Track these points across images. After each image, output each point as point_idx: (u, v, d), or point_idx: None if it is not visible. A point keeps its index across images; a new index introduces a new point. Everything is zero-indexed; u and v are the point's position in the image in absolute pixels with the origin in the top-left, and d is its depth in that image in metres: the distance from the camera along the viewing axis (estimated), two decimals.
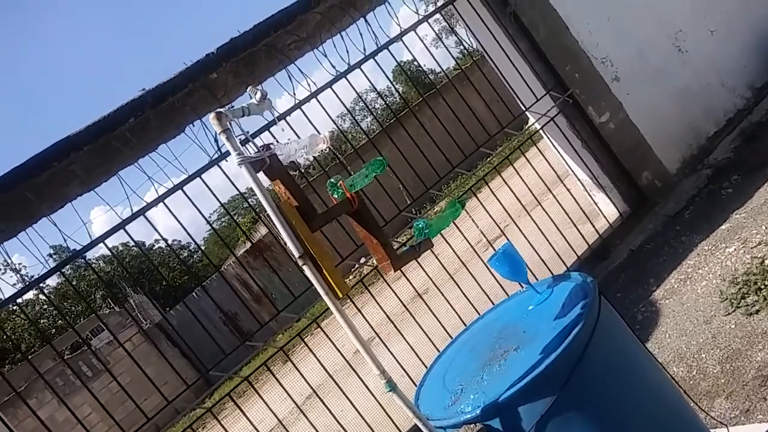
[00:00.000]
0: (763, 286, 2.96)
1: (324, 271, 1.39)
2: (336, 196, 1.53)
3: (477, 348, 1.84)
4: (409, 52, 4.60)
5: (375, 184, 4.30)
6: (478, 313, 4.27)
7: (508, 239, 4.50)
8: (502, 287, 4.23)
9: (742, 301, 2.98)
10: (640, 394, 1.57)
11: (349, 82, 4.29)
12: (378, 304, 4.17)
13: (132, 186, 3.76)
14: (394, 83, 5.10)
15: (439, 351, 4.07)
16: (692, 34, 5.22)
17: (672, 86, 5.04)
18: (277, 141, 1.50)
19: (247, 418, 3.78)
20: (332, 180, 1.51)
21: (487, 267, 4.45)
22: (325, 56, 4.31)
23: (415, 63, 6.24)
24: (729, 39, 5.34)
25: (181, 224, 3.79)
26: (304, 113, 4.15)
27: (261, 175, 1.47)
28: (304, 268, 1.39)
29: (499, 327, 1.87)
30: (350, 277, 14.50)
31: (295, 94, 4.24)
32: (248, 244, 17.81)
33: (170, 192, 3.54)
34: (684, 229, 4.26)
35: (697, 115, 5.09)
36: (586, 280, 1.74)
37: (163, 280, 25.91)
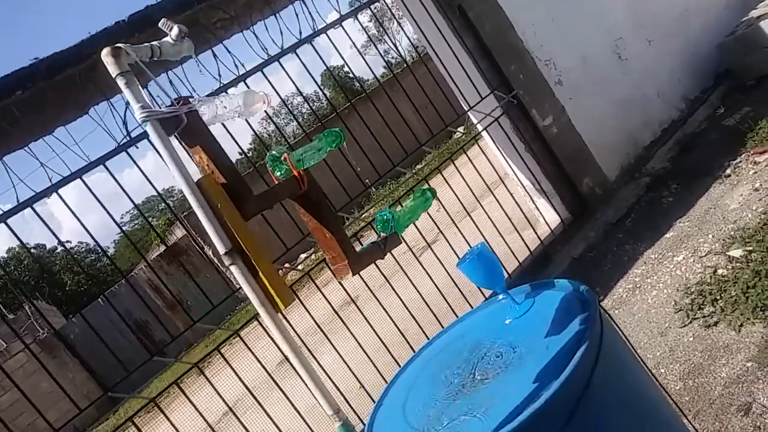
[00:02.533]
0: (719, 297, 2.83)
1: (260, 273, 1.01)
2: (278, 175, 1.15)
3: (444, 369, 1.50)
4: (339, 53, 4.21)
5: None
6: (417, 323, 3.99)
7: (447, 240, 4.28)
8: (441, 294, 3.96)
9: (699, 312, 2.83)
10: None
11: (283, 69, 3.88)
12: (306, 310, 3.76)
13: (20, 174, 3.18)
14: (321, 87, 4.70)
15: (373, 363, 3.78)
16: (632, 42, 5.21)
17: (612, 94, 4.98)
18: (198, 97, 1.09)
19: None
20: (274, 152, 1.13)
21: (425, 270, 4.22)
22: (257, 38, 3.89)
23: (345, 68, 5.89)
24: (666, 50, 5.38)
25: (79, 220, 3.23)
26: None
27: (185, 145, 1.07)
28: (232, 268, 1.00)
29: (470, 344, 1.54)
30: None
31: (221, 76, 3.78)
32: (162, 248, 16.80)
33: (64, 181, 2.99)
34: (627, 237, 4.15)
35: (635, 124, 5.06)
36: (579, 288, 1.45)
37: (65, 285, 24.06)
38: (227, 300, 3.98)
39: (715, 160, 4.34)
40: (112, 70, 0.97)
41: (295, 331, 3.62)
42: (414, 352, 3.66)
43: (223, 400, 3.39)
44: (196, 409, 3.33)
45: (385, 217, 1.24)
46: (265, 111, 4.01)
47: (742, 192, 3.72)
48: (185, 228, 15.92)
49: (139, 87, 1.00)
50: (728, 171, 4.08)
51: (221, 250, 1.00)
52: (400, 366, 3.62)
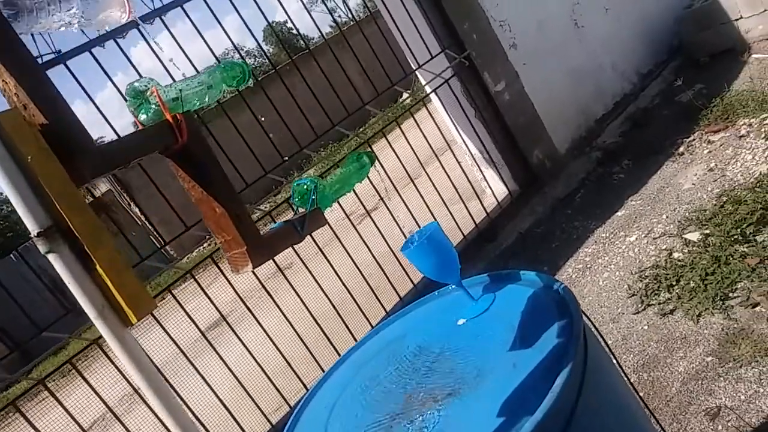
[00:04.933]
0: (674, 283, 2.64)
1: (98, 268, 0.64)
2: (143, 118, 0.77)
3: (378, 383, 1.18)
4: (282, 7, 3.70)
5: (230, 138, 3.44)
6: (352, 297, 3.67)
7: (389, 209, 3.95)
8: (379, 265, 3.65)
9: (654, 298, 2.64)
10: None
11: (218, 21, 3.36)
12: (228, 281, 3.36)
13: None
14: (264, 44, 4.17)
15: (301, 339, 3.44)
16: (589, 9, 4.95)
17: (567, 62, 4.73)
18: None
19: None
20: (137, 84, 0.74)
21: (363, 240, 3.89)
22: None
23: (287, 25, 5.31)
24: (622, 19, 5.16)
25: None
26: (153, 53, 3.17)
27: None
28: (52, 258, 0.62)
29: (412, 350, 1.23)
30: (203, 246, 13.27)
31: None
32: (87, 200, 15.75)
33: None
34: (576, 214, 3.95)
35: (588, 96, 4.84)
36: (553, 286, 1.15)
37: None
38: (153, 260, 3.48)
39: (667, 137, 4.18)
40: None
41: (214, 305, 3.23)
42: (349, 331, 3.33)
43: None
44: (94, 390, 2.90)
45: (305, 187, 0.88)
46: (195, 68, 3.46)
47: (696, 171, 3.56)
48: (110, 182, 14.95)
49: None
50: (681, 149, 3.93)
51: (33, 228, 0.63)
52: (335, 350, 3.29)
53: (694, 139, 3.94)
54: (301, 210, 0.92)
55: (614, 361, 1.15)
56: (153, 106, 0.76)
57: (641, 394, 2.21)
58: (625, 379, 1.21)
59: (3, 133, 0.62)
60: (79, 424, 2.71)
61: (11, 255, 13.54)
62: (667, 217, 3.24)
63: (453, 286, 1.33)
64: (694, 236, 2.88)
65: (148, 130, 0.77)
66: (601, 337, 1.15)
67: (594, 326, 1.11)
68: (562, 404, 0.87)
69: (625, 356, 2.43)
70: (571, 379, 0.89)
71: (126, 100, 0.77)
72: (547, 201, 4.29)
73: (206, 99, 0.82)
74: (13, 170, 0.62)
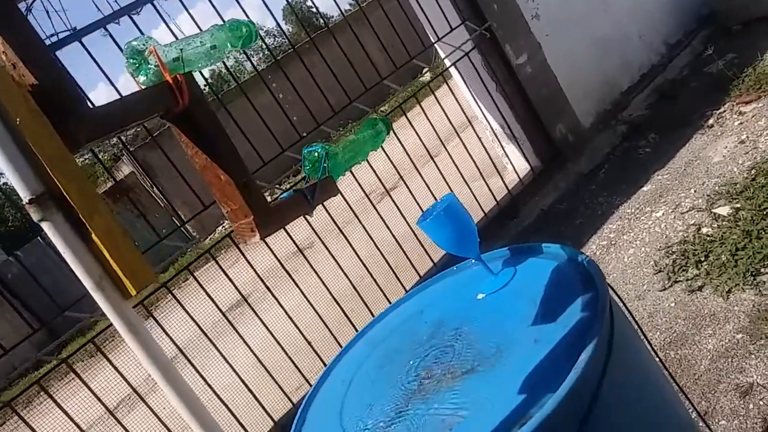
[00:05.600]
0: (703, 259, 2.56)
1: (94, 236, 0.60)
2: (142, 80, 0.73)
3: (396, 358, 1.14)
4: None
5: (250, 118, 3.40)
6: (372, 277, 3.65)
7: (408, 188, 3.90)
8: (398, 244, 3.61)
9: (681, 274, 2.56)
10: None
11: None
12: (248, 261, 3.35)
13: None
14: (283, 24, 4.11)
15: (321, 318, 3.43)
16: None
17: (591, 32, 4.58)
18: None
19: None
20: (135, 44, 0.70)
21: (383, 221, 3.85)
22: None
23: (307, 3, 5.20)
24: None
25: None
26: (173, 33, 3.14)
27: None
28: (45, 226, 0.59)
29: (430, 325, 1.19)
30: (224, 225, 13.36)
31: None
32: (109, 184, 15.99)
33: None
34: (600, 189, 3.85)
35: (613, 68, 4.70)
36: (578, 258, 1.09)
37: (8, 221, 22.92)
38: (175, 240, 3.48)
39: (696, 109, 4.04)
40: None
41: (235, 286, 3.23)
42: (369, 310, 3.30)
43: (174, 343, 2.99)
44: (118, 371, 2.93)
45: (316, 154, 0.84)
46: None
47: (727, 144, 3.44)
48: (133, 164, 15.11)
49: None
50: (711, 121, 3.79)
51: (24, 195, 0.59)
52: (355, 329, 3.27)
53: (724, 111, 3.80)
54: (312, 179, 0.87)
55: (642, 338, 1.10)
56: (152, 66, 0.72)
57: (670, 371, 2.15)
58: (654, 355, 1.15)
59: None
60: (104, 404, 2.74)
61: (39, 237, 13.81)
62: (695, 191, 3.14)
63: (472, 261, 1.28)
64: (723, 210, 2.77)
65: (147, 92, 0.73)
66: (628, 311, 1.10)
67: (620, 300, 1.05)
68: (586, 381, 0.82)
69: (652, 334, 2.37)
70: (596, 355, 0.84)
71: (126, 60, 0.74)
72: (571, 177, 4.19)
73: (210, 60, 0.78)
74: (3, 134, 0.58)
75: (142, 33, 2.90)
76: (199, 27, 3.11)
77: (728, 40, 4.75)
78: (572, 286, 1.01)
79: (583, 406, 0.83)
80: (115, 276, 0.62)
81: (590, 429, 0.82)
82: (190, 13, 3.13)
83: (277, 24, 3.70)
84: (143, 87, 0.75)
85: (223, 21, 0.86)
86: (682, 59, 4.86)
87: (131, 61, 0.73)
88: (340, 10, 4.30)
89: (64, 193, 0.60)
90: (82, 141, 0.65)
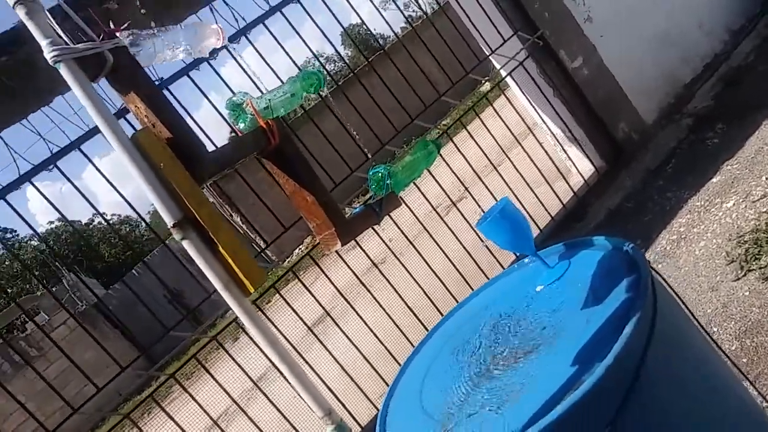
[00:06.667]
0: None
1: (221, 249, 0.80)
2: (241, 127, 0.93)
3: (466, 348, 1.29)
4: (353, 9, 3.88)
5: (318, 142, 3.65)
6: (445, 286, 3.78)
7: (474, 198, 4.02)
8: (470, 255, 3.73)
9: (755, 263, 2.55)
10: (719, 420, 1.05)
11: (290, 24, 3.59)
12: (328, 278, 3.58)
13: (20, 149, 3.05)
14: (341, 48, 4.39)
15: (401, 330, 3.60)
16: None
17: (647, 29, 4.56)
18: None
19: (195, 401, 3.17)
20: (234, 99, 0.90)
21: (452, 232, 3.98)
22: None
23: (364, 26, 5.48)
24: None
25: (116, 188, 3.09)
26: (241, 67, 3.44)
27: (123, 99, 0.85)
28: (185, 244, 0.79)
29: (495, 317, 1.32)
30: (301, 248, 13.80)
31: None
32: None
33: (63, 152, 2.83)
34: (668, 185, 3.83)
35: (673, 62, 4.64)
36: (623, 247, 1.21)
37: (104, 258, 24.60)
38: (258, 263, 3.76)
39: (764, 95, 3.94)
40: None
41: (319, 302, 3.46)
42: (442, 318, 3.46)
43: (267, 358, 3.24)
44: (219, 384, 3.21)
45: (380, 174, 1.01)
46: (279, 78, 3.75)
47: None
48: (213, 194, 15.93)
49: (49, 18, 0.78)
50: None
51: (168, 221, 0.80)
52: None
53: None
54: (378, 195, 1.04)
55: (690, 316, 1.19)
56: (249, 115, 0.92)
57: (744, 360, 2.16)
58: (703, 332, 1.23)
59: (141, 147, 0.79)
60: (210, 416, 3.02)
61: (134, 271, 14.80)
62: (766, 178, 3.09)
63: (530, 258, 1.41)
64: None
65: (247, 136, 0.93)
66: (673, 291, 1.19)
67: (664, 280, 1.15)
68: (631, 350, 0.94)
69: (726, 323, 2.37)
70: (639, 328, 0.96)
71: (226, 112, 0.94)
72: (637, 174, 4.17)
73: (291, 105, 0.97)
74: (151, 176, 0.79)
75: (220, 77, 3.21)
76: (263, 59, 3.43)
77: None
78: (618, 271, 1.13)
79: (629, 373, 0.95)
80: (237, 278, 0.81)
81: (637, 395, 0.94)
82: (255, 48, 3.42)
83: (336, 51, 3.95)
84: (242, 132, 0.94)
85: (298, 67, 1.05)
86: (747, 45, 4.74)
87: (232, 112, 0.93)
88: (394, 32, 4.51)
89: (197, 217, 0.80)
90: (205, 177, 0.85)
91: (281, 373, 0.86)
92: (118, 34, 0.82)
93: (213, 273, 0.81)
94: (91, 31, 0.84)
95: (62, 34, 0.79)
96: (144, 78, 0.85)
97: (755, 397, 1.74)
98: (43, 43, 0.77)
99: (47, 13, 0.78)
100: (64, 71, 0.77)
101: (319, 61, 4.52)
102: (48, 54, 0.77)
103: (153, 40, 0.85)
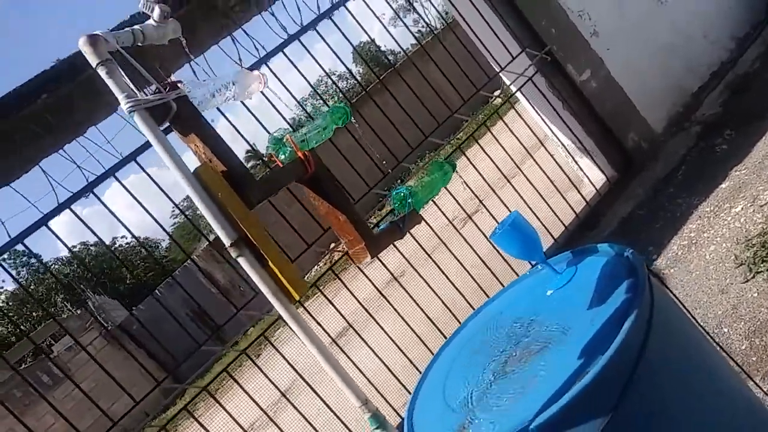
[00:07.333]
0: None
1: (270, 263, 0.94)
2: (282, 158, 1.08)
3: (484, 349, 1.42)
4: (362, 27, 4.07)
5: (336, 161, 3.81)
6: (463, 296, 3.90)
7: (489, 211, 4.15)
8: (485, 265, 3.85)
9: (763, 265, 2.64)
10: (715, 408, 1.17)
11: (305, 48, 3.78)
12: (350, 291, 3.72)
13: (58, 177, 3.25)
14: (353, 65, 4.59)
15: (421, 340, 3.73)
16: None
17: (653, 40, 4.68)
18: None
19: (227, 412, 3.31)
20: (275, 134, 1.05)
21: (468, 244, 4.11)
22: (276, 19, 3.79)
23: (374, 44, 5.72)
24: None
25: (145, 209, 3.27)
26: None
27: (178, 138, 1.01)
28: (240, 260, 0.93)
29: (509, 320, 1.45)
30: (319, 265, 13.97)
31: (241, 61, 3.71)
32: (213, 236, 17.15)
33: (99, 180, 3.02)
34: (678, 192, 3.92)
35: (680, 71, 4.75)
36: (624, 253, 1.33)
37: (126, 279, 24.99)
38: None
39: None
40: (92, 59, 0.92)
41: (341, 314, 3.60)
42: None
43: (275, 386, 3.39)
44: (249, 395, 3.35)
45: (402, 194, 1.15)
46: (294, 97, 3.95)
47: None
48: None
49: (123, 75, 0.94)
50: None
51: (226, 241, 0.94)
52: None
53: None
54: (401, 213, 1.18)
55: (687, 313, 1.31)
56: (288, 148, 1.07)
57: (754, 359, 2.25)
58: (699, 327, 1.35)
59: (201, 179, 0.94)
60: (242, 427, 3.16)
61: (157, 290, 15.06)
62: None
63: (540, 265, 1.54)
64: None
65: (287, 166, 1.08)
66: (671, 292, 1.31)
67: (660, 279, 1.27)
68: (630, 343, 1.07)
69: (736, 324, 2.46)
70: (637, 324, 1.09)
71: (269, 147, 1.09)
72: (648, 182, 4.27)
73: (322, 137, 1.12)
74: (211, 205, 0.93)
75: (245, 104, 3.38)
76: (278, 78, 3.62)
77: None
78: (619, 275, 1.26)
79: (630, 364, 1.07)
80: (284, 288, 0.95)
81: (636, 384, 1.06)
82: (273, 71, 3.60)
83: (348, 70, 4.12)
84: (282, 163, 1.09)
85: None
86: (753, 52, 4.83)
87: (273, 146, 1.08)
88: (403, 50, 4.68)
89: (250, 237, 0.94)
90: (254, 202, 1.00)
91: (321, 366, 1.00)
92: (179, 85, 0.98)
93: (264, 284, 0.95)
94: (153, 79, 1.00)
95: (134, 89, 0.94)
96: (201, 121, 1.00)
97: (761, 396, 1.84)
98: (120, 96, 0.93)
99: (121, 71, 0.94)
100: (137, 119, 0.93)
101: (331, 79, 4.71)
102: (124, 105, 0.92)
103: (207, 88, 1.00)
